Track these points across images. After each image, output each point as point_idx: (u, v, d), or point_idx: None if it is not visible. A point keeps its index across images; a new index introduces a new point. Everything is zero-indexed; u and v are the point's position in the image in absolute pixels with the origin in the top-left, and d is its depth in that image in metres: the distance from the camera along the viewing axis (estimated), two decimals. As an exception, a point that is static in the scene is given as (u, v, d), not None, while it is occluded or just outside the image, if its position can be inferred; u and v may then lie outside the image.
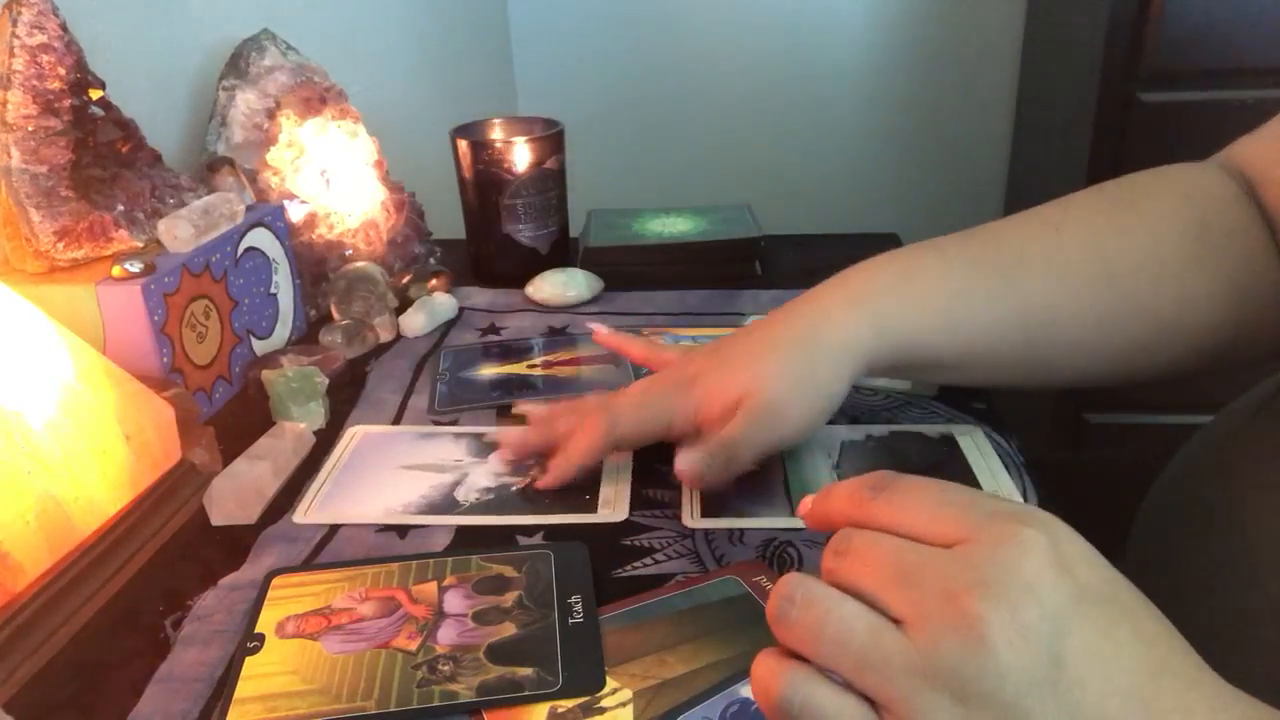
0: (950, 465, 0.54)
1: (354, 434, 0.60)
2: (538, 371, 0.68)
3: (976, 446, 0.56)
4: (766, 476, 0.54)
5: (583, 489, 0.53)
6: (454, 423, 0.62)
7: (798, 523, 0.49)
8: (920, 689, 0.27)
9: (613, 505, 0.52)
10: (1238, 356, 0.54)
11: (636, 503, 0.52)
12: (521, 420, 0.58)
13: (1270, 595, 0.45)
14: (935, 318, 0.50)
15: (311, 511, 0.53)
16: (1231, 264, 0.51)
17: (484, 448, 0.58)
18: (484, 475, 0.55)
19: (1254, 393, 0.55)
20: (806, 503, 0.34)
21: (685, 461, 0.48)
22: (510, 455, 0.55)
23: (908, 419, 0.59)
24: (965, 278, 0.51)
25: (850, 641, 0.28)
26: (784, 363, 0.49)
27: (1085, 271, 0.51)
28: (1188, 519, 0.54)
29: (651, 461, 0.56)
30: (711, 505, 0.51)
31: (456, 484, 0.55)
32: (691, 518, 0.50)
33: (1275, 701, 0.29)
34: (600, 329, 0.61)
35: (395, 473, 0.56)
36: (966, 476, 0.53)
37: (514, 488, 0.54)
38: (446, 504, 0.53)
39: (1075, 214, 0.53)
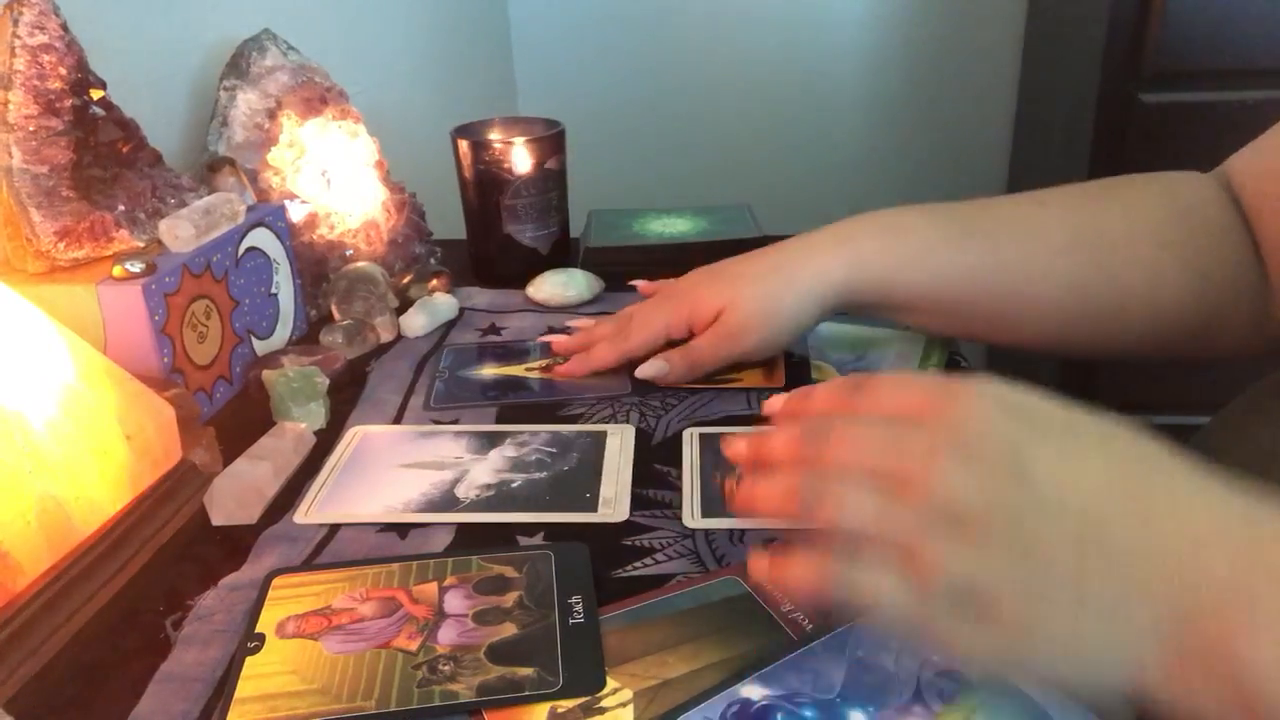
0: None
1: (354, 434, 0.60)
2: (535, 374, 0.68)
3: None
4: None
5: (583, 488, 0.53)
6: (455, 421, 0.62)
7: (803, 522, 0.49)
8: (930, 536, 0.32)
9: (613, 505, 0.52)
10: (1203, 346, 0.57)
11: (637, 503, 0.52)
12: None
13: None
14: (914, 258, 0.56)
15: (312, 512, 0.53)
16: (1205, 253, 0.54)
17: (485, 444, 0.58)
18: (484, 472, 0.55)
19: (1248, 395, 0.55)
20: (775, 401, 0.41)
21: (647, 366, 0.61)
22: (557, 346, 0.68)
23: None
24: (947, 228, 0.57)
25: (866, 516, 0.33)
26: (759, 288, 0.58)
27: (1060, 236, 0.55)
28: None
29: (652, 462, 0.56)
30: (712, 505, 0.51)
31: (457, 481, 0.55)
32: (692, 518, 0.50)
33: None
34: (644, 284, 0.70)
35: (396, 471, 0.56)
36: None
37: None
38: (447, 501, 0.53)
39: (1061, 194, 0.58)
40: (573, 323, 0.73)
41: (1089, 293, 0.55)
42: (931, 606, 0.32)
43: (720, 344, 0.60)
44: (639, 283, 0.70)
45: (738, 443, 0.40)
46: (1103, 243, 0.55)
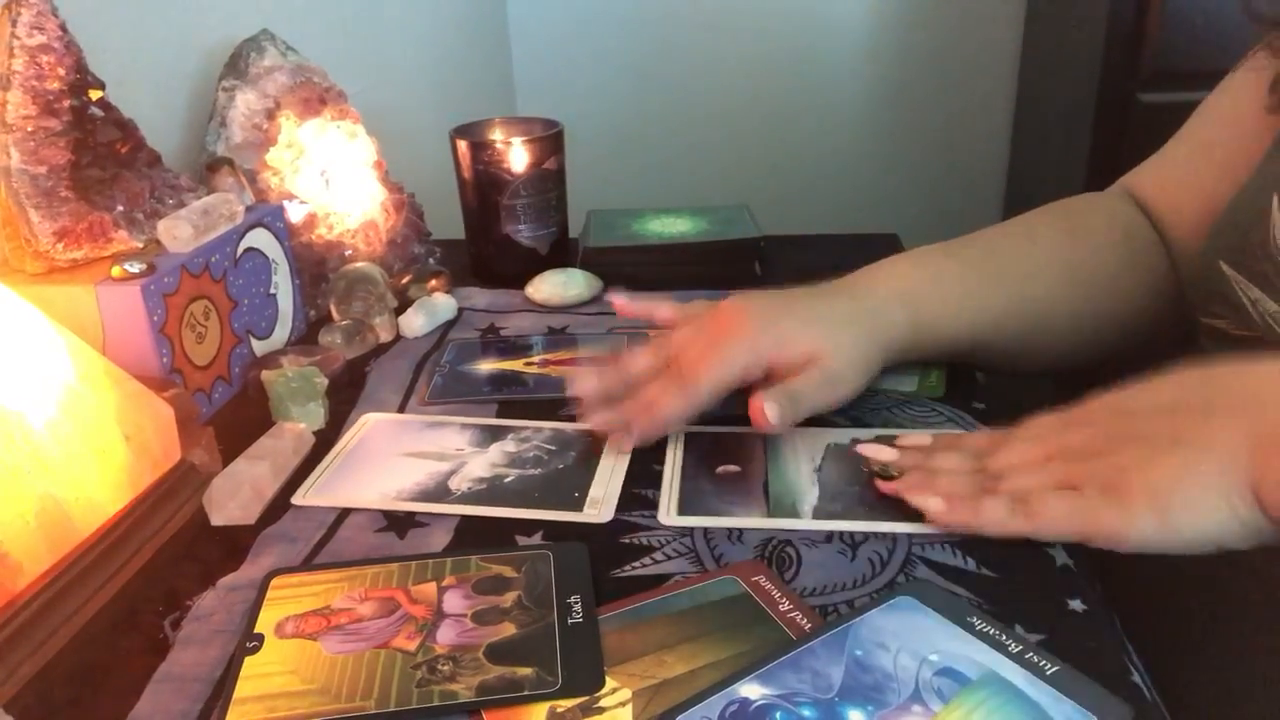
0: None
1: (364, 421, 0.61)
2: (533, 369, 0.68)
3: None
4: (747, 476, 0.54)
5: (573, 487, 0.53)
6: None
7: (777, 522, 0.50)
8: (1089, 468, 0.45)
9: (599, 506, 0.52)
10: (1148, 343, 0.66)
11: (635, 503, 0.52)
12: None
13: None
14: (958, 313, 0.60)
15: (311, 495, 0.53)
16: (1147, 267, 0.64)
17: (486, 438, 0.59)
18: (481, 465, 0.56)
19: None
20: (922, 438, 0.55)
21: (765, 409, 0.53)
22: (579, 393, 0.58)
23: (903, 420, 0.59)
24: (976, 281, 0.61)
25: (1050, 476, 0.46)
26: (851, 339, 0.56)
27: (1059, 273, 0.62)
28: None
29: (651, 462, 0.56)
30: (688, 504, 0.51)
31: (452, 473, 0.55)
32: (668, 515, 0.50)
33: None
34: (620, 299, 0.64)
35: (397, 459, 0.57)
36: None
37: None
38: (440, 492, 0.53)
39: (1040, 231, 0.65)
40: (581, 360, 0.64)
41: (1084, 319, 0.63)
42: (1089, 503, 0.43)
43: (823, 391, 0.55)
44: (618, 302, 0.63)
45: (885, 452, 0.53)
46: (1084, 274, 0.63)
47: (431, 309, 0.76)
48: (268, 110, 0.77)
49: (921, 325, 0.59)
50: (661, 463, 0.56)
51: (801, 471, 0.54)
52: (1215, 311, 0.55)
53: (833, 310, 0.57)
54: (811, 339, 0.55)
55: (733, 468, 0.55)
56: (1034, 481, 0.46)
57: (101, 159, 0.61)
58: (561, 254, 0.86)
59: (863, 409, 0.61)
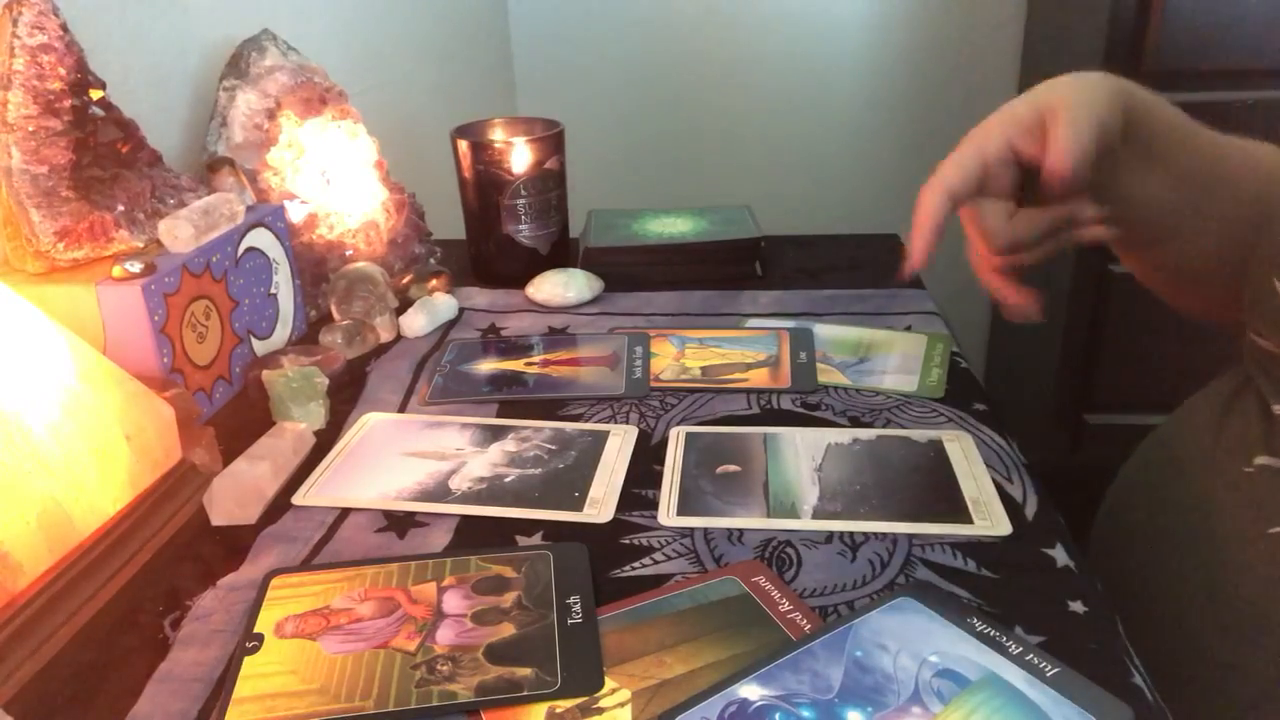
0: (934, 470, 0.54)
1: (365, 421, 0.61)
2: (533, 369, 0.68)
3: (963, 452, 0.56)
4: (747, 476, 0.54)
5: (573, 487, 0.53)
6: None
7: (777, 522, 0.50)
8: None
9: (599, 506, 0.52)
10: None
11: (635, 503, 0.52)
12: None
13: (1242, 598, 0.45)
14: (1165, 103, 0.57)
15: (311, 494, 0.54)
16: None
17: (487, 438, 0.59)
18: (481, 465, 0.56)
19: (1214, 388, 0.56)
20: None
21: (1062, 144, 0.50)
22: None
23: (904, 421, 0.59)
24: (1186, 126, 0.58)
25: None
26: (1082, 91, 0.53)
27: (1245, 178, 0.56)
28: (1153, 516, 0.55)
29: (651, 462, 0.56)
30: (688, 504, 0.52)
31: (453, 472, 0.55)
32: (667, 515, 0.51)
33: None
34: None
35: (398, 459, 0.57)
36: (949, 481, 0.53)
37: (510, 478, 0.54)
38: (440, 491, 0.53)
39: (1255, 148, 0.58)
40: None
41: (1233, 237, 0.55)
42: None
43: (1081, 106, 0.51)
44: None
45: None
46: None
47: (432, 309, 0.76)
48: (268, 110, 0.77)
49: (1135, 111, 0.54)
50: (661, 463, 0.56)
51: (801, 471, 0.54)
52: (1260, 330, 0.51)
53: (1049, 83, 0.54)
54: (1052, 89, 0.53)
55: (733, 468, 0.55)
56: None
57: (102, 159, 0.61)
58: (562, 254, 0.86)
59: (863, 409, 0.61)
